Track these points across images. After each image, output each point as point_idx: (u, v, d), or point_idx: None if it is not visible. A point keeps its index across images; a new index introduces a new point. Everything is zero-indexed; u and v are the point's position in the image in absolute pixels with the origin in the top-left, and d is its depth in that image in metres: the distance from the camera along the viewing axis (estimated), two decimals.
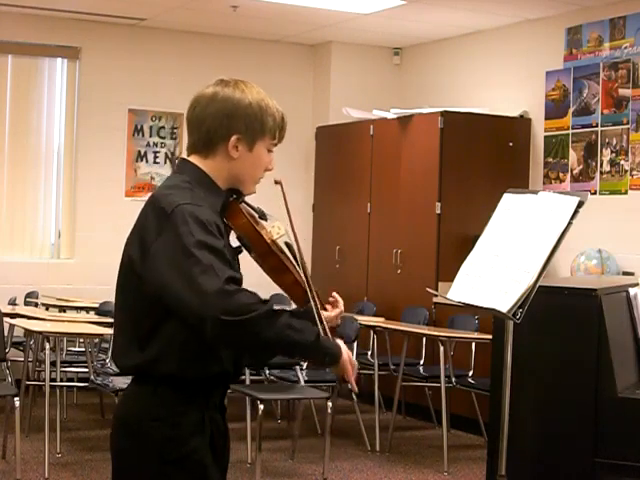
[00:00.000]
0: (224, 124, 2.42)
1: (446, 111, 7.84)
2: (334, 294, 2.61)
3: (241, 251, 2.49)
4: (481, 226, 3.44)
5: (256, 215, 2.52)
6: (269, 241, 2.45)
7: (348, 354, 2.40)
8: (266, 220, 2.54)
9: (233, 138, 2.43)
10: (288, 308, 2.35)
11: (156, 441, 2.36)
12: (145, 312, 2.36)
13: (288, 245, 2.53)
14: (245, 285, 2.33)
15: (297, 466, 6.34)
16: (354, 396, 6.84)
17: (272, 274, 2.49)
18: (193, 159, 2.47)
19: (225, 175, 2.46)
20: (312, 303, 2.47)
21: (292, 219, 2.53)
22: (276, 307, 2.29)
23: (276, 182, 2.55)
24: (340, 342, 2.41)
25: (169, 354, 2.34)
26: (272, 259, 2.44)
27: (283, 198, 2.54)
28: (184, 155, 2.53)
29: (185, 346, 2.34)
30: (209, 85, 2.48)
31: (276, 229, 2.53)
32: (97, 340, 7.13)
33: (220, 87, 2.45)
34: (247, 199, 2.55)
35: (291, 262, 2.49)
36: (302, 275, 2.48)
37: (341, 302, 2.60)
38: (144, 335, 2.36)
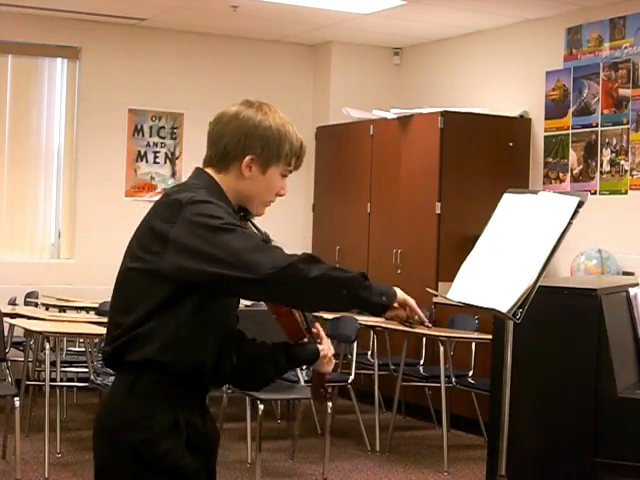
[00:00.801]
0: (241, 143, 2.46)
1: (446, 111, 7.84)
2: (317, 325, 2.59)
3: None
4: (481, 226, 3.43)
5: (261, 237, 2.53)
6: None
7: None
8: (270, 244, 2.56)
9: (247, 158, 2.47)
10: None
11: (130, 443, 2.37)
12: (142, 304, 2.37)
13: None
14: None
15: (297, 466, 6.34)
16: (353, 396, 6.85)
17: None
18: (208, 171, 2.51)
19: (234, 192, 2.49)
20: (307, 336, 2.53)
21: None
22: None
23: None
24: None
25: (151, 338, 2.35)
26: None
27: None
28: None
29: (169, 333, 2.35)
30: (234, 104, 2.53)
31: None
32: (97, 340, 7.12)
33: (244, 107, 2.50)
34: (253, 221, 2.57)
35: None
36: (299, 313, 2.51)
37: (325, 339, 2.59)
38: (135, 322, 2.37)
